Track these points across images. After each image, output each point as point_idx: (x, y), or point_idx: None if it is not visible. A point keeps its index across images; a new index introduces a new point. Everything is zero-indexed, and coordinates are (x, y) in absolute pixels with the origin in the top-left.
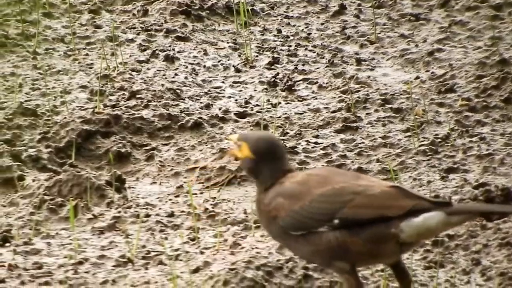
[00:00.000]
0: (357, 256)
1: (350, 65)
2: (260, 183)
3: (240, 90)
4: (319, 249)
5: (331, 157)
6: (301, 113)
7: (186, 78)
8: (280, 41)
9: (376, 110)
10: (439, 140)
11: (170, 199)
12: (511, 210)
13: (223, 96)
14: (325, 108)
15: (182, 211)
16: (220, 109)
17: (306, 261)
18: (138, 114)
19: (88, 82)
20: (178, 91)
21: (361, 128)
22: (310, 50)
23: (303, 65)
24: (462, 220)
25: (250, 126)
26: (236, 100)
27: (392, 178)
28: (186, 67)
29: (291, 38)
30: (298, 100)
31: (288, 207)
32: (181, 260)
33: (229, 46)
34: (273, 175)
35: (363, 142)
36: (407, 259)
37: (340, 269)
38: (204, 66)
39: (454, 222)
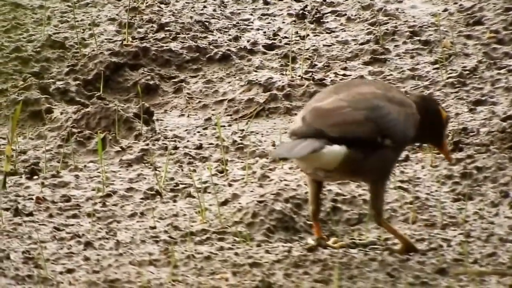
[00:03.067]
0: None
1: None
2: None
3: (269, 22)
4: None
5: None
6: (329, 45)
7: (214, 10)
8: None
9: (405, 42)
10: (467, 72)
11: (198, 132)
12: None
13: (252, 28)
14: (353, 40)
15: (210, 144)
16: (248, 41)
17: None
18: (166, 46)
19: (117, 14)
20: (207, 23)
21: (389, 60)
22: None
23: None
24: None
25: (278, 58)
26: (265, 32)
27: None
28: (215, 0)
29: None
30: (327, 32)
31: None
32: (209, 192)
33: None
34: None
35: (391, 74)
36: (436, 192)
37: None
38: None
39: None
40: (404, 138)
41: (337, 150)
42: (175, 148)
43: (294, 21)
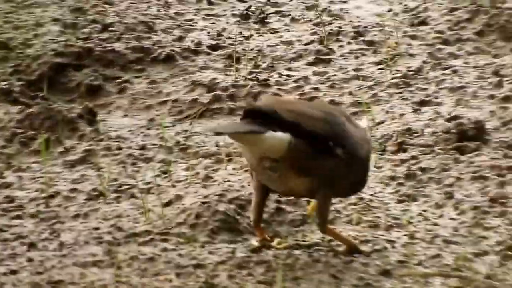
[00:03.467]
0: None
1: None
2: None
3: (213, 23)
4: None
5: (303, 90)
6: (273, 46)
7: (158, 10)
8: None
9: (349, 43)
10: (412, 72)
11: (142, 132)
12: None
13: (196, 29)
14: (297, 40)
15: (154, 144)
16: (192, 41)
17: None
18: (110, 46)
19: (61, 15)
20: (151, 23)
21: (333, 61)
22: None
23: None
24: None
25: (222, 58)
26: (209, 32)
27: (365, 110)
28: (159, 0)
29: None
30: (271, 33)
31: None
32: (153, 193)
33: None
34: None
35: (335, 75)
36: (380, 193)
37: None
38: None
39: None
40: (356, 153)
41: (280, 136)
42: (119, 148)
43: (238, 21)
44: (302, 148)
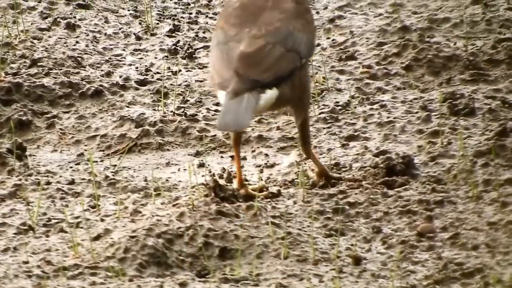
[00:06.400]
0: None
1: None
2: None
3: (141, 58)
4: None
5: None
6: (201, 81)
7: (87, 46)
8: (181, 8)
9: None
10: (340, 107)
11: (71, 167)
12: None
13: (124, 64)
14: None
15: (83, 179)
16: (120, 76)
17: None
18: (39, 82)
19: None
20: (79, 58)
21: None
22: (211, 18)
23: (203, 32)
24: None
25: (151, 94)
26: (137, 67)
27: (293, 145)
28: (87, 35)
29: (192, 5)
30: (199, 68)
31: None
32: (82, 227)
33: (130, 13)
34: None
35: None
36: (308, 227)
37: None
38: (105, 34)
39: None
40: (313, 49)
41: (269, 95)
42: (48, 183)
43: (167, 56)
44: (286, 91)
